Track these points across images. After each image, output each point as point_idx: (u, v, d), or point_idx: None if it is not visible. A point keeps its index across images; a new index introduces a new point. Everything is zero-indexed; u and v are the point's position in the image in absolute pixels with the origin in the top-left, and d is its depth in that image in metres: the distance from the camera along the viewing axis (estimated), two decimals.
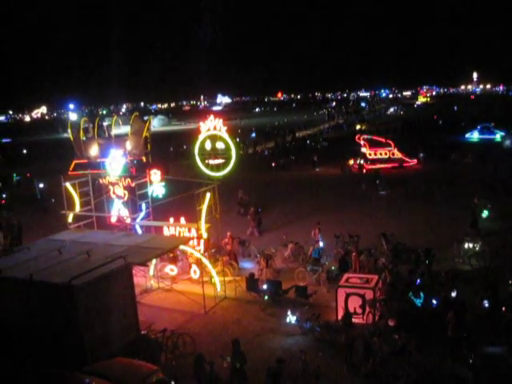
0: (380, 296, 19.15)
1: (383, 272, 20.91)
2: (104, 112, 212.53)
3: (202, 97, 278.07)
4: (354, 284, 19.28)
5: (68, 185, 23.73)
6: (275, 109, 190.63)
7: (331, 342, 17.49)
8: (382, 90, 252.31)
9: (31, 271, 16.95)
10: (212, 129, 22.66)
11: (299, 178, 49.76)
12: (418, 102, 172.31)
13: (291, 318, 19.00)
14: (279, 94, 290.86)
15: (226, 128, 22.62)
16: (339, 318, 18.35)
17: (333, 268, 22.82)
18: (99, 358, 15.14)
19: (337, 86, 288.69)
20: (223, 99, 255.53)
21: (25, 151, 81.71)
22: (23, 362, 15.19)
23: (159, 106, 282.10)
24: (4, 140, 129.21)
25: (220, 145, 22.57)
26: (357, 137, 55.46)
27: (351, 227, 27.69)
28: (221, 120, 22.66)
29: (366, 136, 54.69)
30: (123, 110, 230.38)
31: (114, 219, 24.01)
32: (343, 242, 25.71)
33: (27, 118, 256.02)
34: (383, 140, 52.62)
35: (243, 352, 15.47)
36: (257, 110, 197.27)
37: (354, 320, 17.82)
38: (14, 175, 54.68)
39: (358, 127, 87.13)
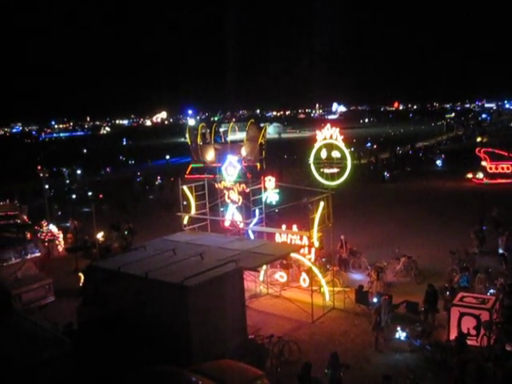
0: (497, 318, 18.22)
1: (501, 293, 19.89)
2: (215, 118, 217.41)
3: (317, 105, 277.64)
4: (468, 304, 18.41)
5: (185, 188, 24.53)
6: (372, 119, 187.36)
7: (442, 362, 16.74)
8: (506, 101, 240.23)
9: (147, 269, 17.60)
10: (328, 137, 22.59)
11: (415, 190, 48.51)
12: None
13: (400, 334, 18.48)
14: (395, 104, 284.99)
15: (342, 137, 22.45)
16: (451, 337, 17.63)
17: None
18: (206, 359, 15.38)
19: (457, 97, 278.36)
20: (339, 108, 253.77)
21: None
22: (134, 356, 15.68)
23: (274, 113, 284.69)
24: (125, 143, 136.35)
25: (336, 154, 22.42)
26: (477, 150, 53.21)
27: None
28: (337, 129, 22.54)
29: (487, 149, 52.36)
30: (234, 117, 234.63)
31: (227, 223, 24.45)
32: (459, 259, 24.71)
33: (148, 123, 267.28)
34: (506, 154, 50.13)
35: (345, 364, 15.27)
36: (366, 120, 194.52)
37: (467, 342, 17.05)
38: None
39: (478, 139, 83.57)
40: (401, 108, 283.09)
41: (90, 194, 52.95)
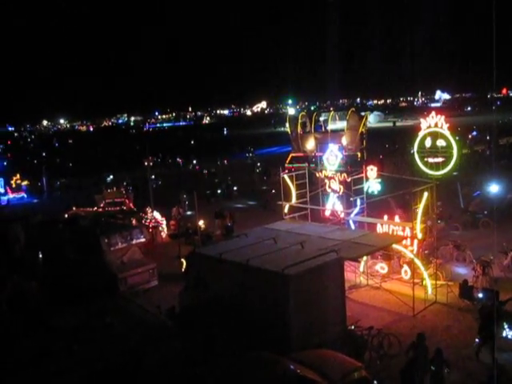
0: None
1: None
2: (312, 108, 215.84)
3: (419, 93, 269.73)
4: None
5: (286, 177, 24.60)
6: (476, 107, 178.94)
7: None
8: None
9: (248, 257, 17.80)
10: (433, 126, 21.86)
11: None
12: None
13: (508, 332, 17.64)
14: (504, 90, 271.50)
15: (447, 125, 21.65)
16: None
17: None
18: (305, 348, 15.38)
19: None
20: (442, 95, 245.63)
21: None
22: (233, 341, 15.92)
23: (375, 102, 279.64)
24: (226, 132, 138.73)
25: (441, 142, 21.67)
26: None
27: None
28: (443, 117, 21.76)
29: None
30: (333, 106, 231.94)
31: (327, 213, 24.33)
32: None
33: (248, 113, 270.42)
34: None
35: (447, 361, 14.82)
36: (468, 108, 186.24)
37: None
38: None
39: None
40: (511, 95, 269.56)
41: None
